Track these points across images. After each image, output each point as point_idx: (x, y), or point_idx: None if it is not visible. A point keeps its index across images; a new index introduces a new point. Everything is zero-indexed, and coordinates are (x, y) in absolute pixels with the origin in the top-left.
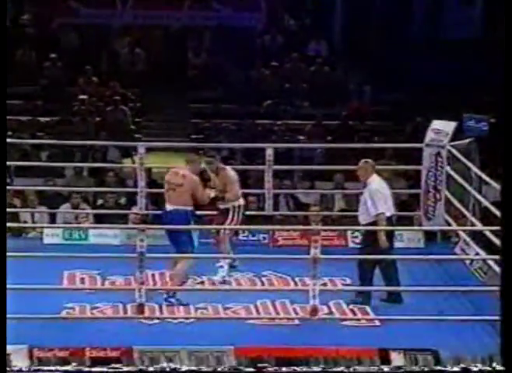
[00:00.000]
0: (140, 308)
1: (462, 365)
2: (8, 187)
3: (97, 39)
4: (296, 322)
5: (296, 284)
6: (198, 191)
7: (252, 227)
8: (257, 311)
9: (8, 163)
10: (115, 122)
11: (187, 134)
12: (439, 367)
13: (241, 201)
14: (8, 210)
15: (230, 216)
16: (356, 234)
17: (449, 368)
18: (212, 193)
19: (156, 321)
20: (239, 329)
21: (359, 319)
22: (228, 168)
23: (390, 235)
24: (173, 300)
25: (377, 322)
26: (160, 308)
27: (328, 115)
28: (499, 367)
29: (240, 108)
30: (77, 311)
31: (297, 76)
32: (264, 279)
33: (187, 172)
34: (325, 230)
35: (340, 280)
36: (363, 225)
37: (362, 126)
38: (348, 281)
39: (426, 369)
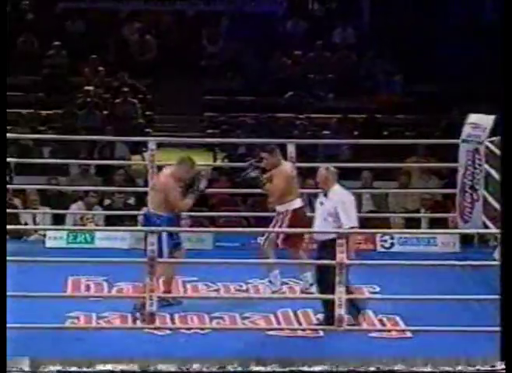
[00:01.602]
0: (151, 318)
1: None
2: (7, 186)
3: (104, 25)
4: (321, 333)
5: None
6: (169, 196)
7: (270, 230)
8: (278, 321)
9: (7, 160)
10: (123, 115)
11: (201, 128)
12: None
13: (294, 204)
14: (7, 211)
15: (274, 222)
16: (385, 237)
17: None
18: (190, 201)
19: (168, 332)
20: (258, 341)
21: (388, 330)
22: (285, 164)
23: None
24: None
25: (409, 334)
26: (172, 317)
27: (355, 108)
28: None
29: (259, 100)
30: (82, 320)
31: (321, 65)
32: (284, 286)
33: (167, 172)
34: (352, 233)
35: (368, 288)
36: (323, 242)
37: (392, 120)
38: (377, 289)
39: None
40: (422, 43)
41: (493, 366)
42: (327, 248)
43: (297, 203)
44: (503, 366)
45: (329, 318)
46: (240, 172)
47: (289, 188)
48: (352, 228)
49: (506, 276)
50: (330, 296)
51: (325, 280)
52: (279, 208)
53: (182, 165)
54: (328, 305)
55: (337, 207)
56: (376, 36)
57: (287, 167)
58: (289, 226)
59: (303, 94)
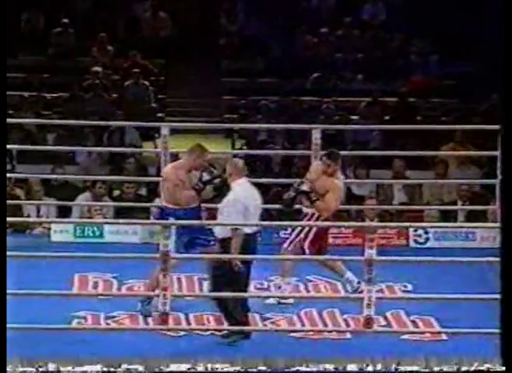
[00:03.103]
0: (163, 318)
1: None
2: (9, 175)
3: (114, 1)
4: (348, 335)
5: (347, 290)
6: (169, 188)
7: (295, 223)
8: (302, 322)
9: (8, 147)
10: (134, 99)
11: (219, 112)
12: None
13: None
14: (9, 202)
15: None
16: (419, 232)
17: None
18: (189, 194)
19: (182, 333)
20: (280, 343)
21: (422, 332)
22: (340, 178)
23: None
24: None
25: (444, 336)
26: (187, 317)
27: (386, 91)
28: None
29: (281, 82)
30: (89, 320)
31: (350, 45)
32: (309, 284)
33: (174, 163)
34: (382, 227)
35: (400, 287)
36: (220, 240)
37: (427, 103)
38: (410, 288)
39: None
40: (460, 20)
41: None
42: (223, 246)
43: None
44: None
45: (230, 319)
46: (258, 160)
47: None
48: (232, 230)
49: (506, 275)
50: (358, 295)
51: (218, 277)
52: (306, 210)
53: (190, 153)
54: (221, 305)
55: (224, 205)
56: (409, 12)
57: (340, 182)
58: (319, 231)
59: (329, 75)
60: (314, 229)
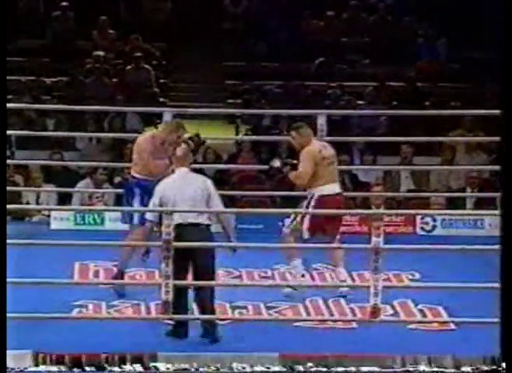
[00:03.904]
0: (166, 307)
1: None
2: (8, 161)
3: None
4: (354, 324)
5: (353, 279)
6: (144, 157)
7: (299, 210)
8: (307, 311)
9: (8, 132)
10: (136, 83)
11: (222, 97)
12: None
13: (323, 190)
14: (8, 188)
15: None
16: (427, 219)
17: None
18: (160, 163)
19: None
20: (284, 333)
21: (429, 322)
22: (314, 143)
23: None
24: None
25: (452, 326)
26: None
27: (394, 75)
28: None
29: (286, 66)
30: (90, 309)
31: (356, 28)
32: (314, 273)
33: (149, 133)
34: (389, 214)
35: (407, 275)
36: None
37: (435, 88)
38: (417, 276)
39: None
40: (469, 3)
41: None
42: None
43: (327, 189)
44: None
45: (175, 304)
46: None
47: (318, 171)
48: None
49: (506, 274)
50: (364, 284)
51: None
52: (308, 192)
53: (166, 127)
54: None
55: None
56: None
57: (315, 147)
58: (314, 215)
59: (335, 60)
60: (309, 215)
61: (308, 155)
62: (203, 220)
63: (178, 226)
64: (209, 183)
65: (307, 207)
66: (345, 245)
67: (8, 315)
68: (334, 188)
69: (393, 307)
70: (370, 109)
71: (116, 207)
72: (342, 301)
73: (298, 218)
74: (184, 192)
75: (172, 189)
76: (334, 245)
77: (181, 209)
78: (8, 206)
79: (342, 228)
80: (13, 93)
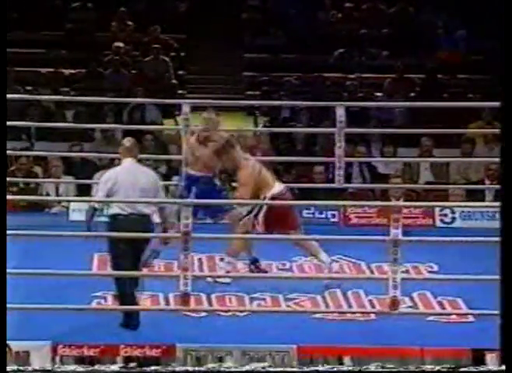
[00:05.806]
0: (185, 299)
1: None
2: (28, 153)
3: None
4: (373, 316)
5: (371, 271)
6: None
7: (319, 202)
8: (326, 303)
9: (28, 124)
10: (154, 75)
11: (240, 89)
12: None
13: (271, 192)
14: (28, 180)
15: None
16: (446, 211)
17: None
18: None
19: (204, 314)
20: (303, 325)
21: (449, 314)
22: (244, 163)
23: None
24: None
25: (471, 318)
26: (209, 298)
27: (412, 67)
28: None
29: (304, 58)
30: (109, 301)
31: (375, 19)
32: (333, 265)
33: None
34: (408, 207)
35: (426, 267)
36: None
37: (455, 80)
38: (436, 268)
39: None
40: None
41: None
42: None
43: (275, 189)
44: None
45: (120, 297)
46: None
47: (259, 183)
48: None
49: (506, 272)
50: (383, 276)
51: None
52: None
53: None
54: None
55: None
56: None
57: (248, 169)
58: (268, 213)
59: (354, 51)
60: (265, 207)
61: (243, 175)
62: (149, 211)
63: (127, 215)
64: (156, 175)
65: (260, 208)
66: (363, 237)
67: (26, 306)
68: (278, 188)
69: (412, 299)
70: (389, 101)
71: (132, 200)
72: (362, 292)
73: (252, 214)
74: (136, 182)
75: (125, 180)
76: (363, 237)
77: (133, 199)
78: (28, 197)
79: (362, 220)
80: (33, 85)
